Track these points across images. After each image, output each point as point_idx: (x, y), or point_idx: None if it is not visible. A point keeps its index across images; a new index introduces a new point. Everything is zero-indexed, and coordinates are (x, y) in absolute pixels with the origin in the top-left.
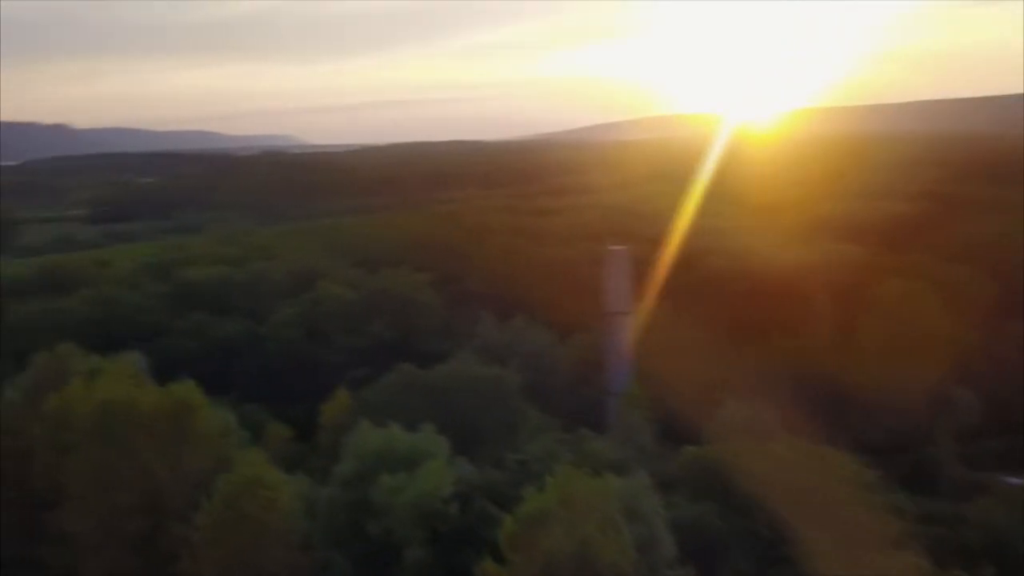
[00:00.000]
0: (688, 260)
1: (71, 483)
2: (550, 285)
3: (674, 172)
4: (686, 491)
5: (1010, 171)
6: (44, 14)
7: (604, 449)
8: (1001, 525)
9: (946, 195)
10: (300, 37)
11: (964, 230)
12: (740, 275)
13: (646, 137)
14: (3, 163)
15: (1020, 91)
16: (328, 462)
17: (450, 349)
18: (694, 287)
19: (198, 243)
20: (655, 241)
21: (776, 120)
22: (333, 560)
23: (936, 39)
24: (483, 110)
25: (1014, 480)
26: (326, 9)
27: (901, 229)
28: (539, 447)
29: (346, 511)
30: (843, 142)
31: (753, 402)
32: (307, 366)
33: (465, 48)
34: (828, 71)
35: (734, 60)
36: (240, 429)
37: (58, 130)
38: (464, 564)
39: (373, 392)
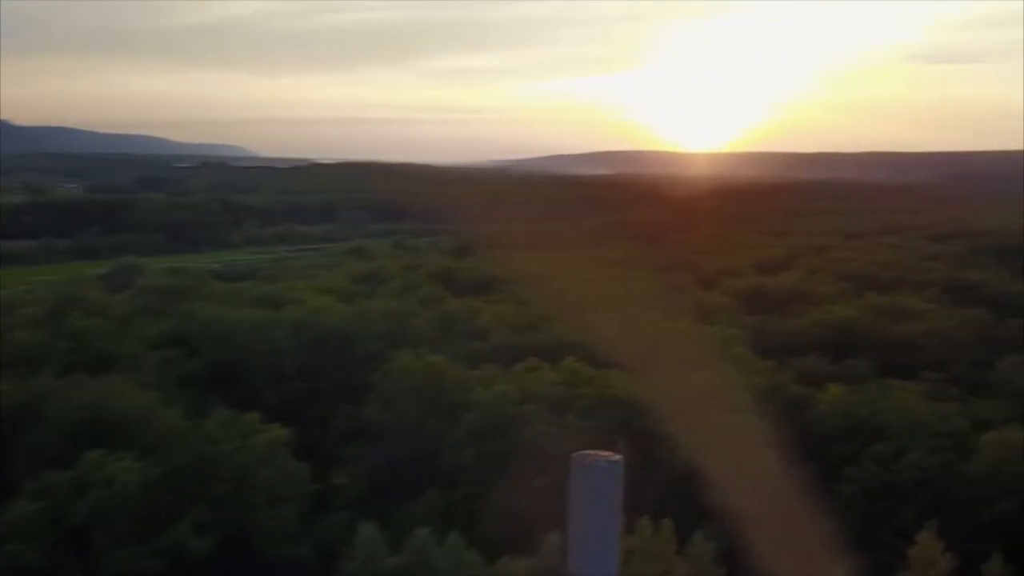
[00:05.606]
0: None
1: None
2: None
3: None
4: None
5: None
6: None
7: None
8: None
9: None
10: (262, 49)
11: None
12: None
13: (592, 172)
14: None
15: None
16: None
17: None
18: None
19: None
20: None
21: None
22: None
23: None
24: (440, 134)
25: None
26: (291, 24)
27: None
28: None
29: None
30: None
31: None
32: None
33: (429, 72)
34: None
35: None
36: None
37: None
38: None
39: None
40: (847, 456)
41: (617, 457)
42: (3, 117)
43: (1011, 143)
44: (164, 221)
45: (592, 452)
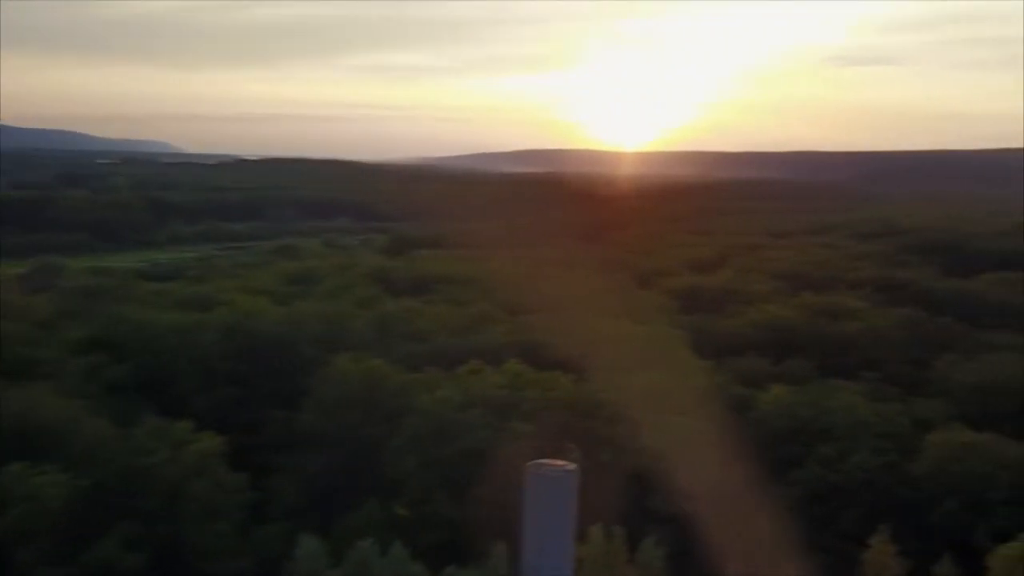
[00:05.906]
0: None
1: None
2: None
3: None
4: None
5: None
6: None
7: None
8: None
9: None
10: (187, 43)
11: None
12: None
13: (520, 170)
14: None
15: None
16: None
17: None
18: None
19: None
20: None
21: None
22: None
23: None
24: (368, 131)
25: None
26: (217, 18)
27: None
28: None
29: None
30: None
31: None
32: None
33: (357, 68)
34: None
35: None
36: None
37: None
38: None
39: None
40: (792, 458)
41: (572, 467)
42: None
43: (927, 143)
44: (86, 219)
45: (546, 462)
